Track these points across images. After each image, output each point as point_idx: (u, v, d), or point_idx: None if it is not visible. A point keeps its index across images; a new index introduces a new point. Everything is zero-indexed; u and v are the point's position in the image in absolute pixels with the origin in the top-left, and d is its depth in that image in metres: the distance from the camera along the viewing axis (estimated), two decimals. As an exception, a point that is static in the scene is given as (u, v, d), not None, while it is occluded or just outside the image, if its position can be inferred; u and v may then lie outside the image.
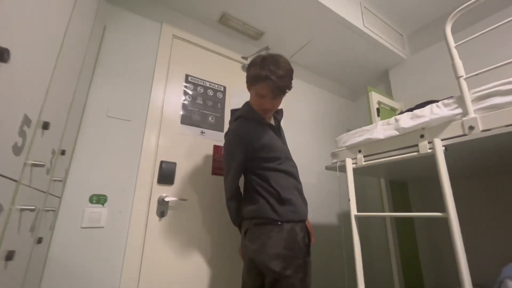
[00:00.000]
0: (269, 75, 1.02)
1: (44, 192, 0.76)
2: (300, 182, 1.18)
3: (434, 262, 1.74)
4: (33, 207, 0.59)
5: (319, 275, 1.80)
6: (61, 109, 0.79)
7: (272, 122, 1.25)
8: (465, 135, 0.89)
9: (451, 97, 0.98)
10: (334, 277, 1.85)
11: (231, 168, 1.12)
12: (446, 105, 0.97)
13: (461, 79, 0.94)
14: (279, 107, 1.22)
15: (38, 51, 0.54)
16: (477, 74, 0.93)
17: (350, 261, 1.20)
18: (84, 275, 1.08)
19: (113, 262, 1.15)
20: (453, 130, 0.92)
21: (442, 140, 0.94)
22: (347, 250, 1.63)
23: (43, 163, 0.60)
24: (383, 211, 1.75)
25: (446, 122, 0.95)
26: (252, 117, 1.15)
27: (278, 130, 1.25)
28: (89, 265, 1.10)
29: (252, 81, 1.11)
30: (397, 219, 1.72)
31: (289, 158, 1.21)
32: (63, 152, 0.89)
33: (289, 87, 1.09)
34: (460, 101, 0.93)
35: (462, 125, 0.90)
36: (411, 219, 1.84)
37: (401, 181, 1.89)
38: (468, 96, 0.91)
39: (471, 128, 0.87)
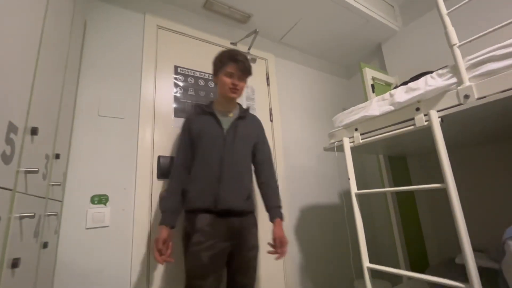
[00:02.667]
0: (236, 56, 1.21)
1: (43, 197, 0.76)
2: (232, 172, 1.14)
3: (436, 234, 1.78)
4: (32, 214, 0.59)
5: (324, 254, 1.85)
6: (49, 112, 0.78)
7: (231, 115, 1.27)
8: (460, 104, 0.88)
9: (445, 66, 0.97)
10: (340, 255, 1.90)
11: (177, 147, 1.26)
12: (440, 76, 0.95)
13: (455, 47, 0.92)
14: (246, 107, 1.37)
15: (14, 57, 0.51)
16: (470, 41, 0.91)
17: (354, 238, 1.23)
18: (94, 275, 1.10)
19: (122, 259, 1.17)
20: (449, 100, 0.91)
21: (438, 111, 0.93)
22: (350, 228, 1.67)
23: (37, 169, 0.60)
24: (383, 188, 1.76)
25: (441, 93, 0.94)
26: (203, 107, 1.26)
27: (235, 122, 1.23)
28: (99, 264, 1.12)
29: (219, 66, 1.24)
30: (397, 194, 1.74)
31: (228, 149, 1.16)
32: (57, 156, 0.88)
33: (251, 71, 1.26)
34: (455, 70, 0.91)
35: (458, 94, 0.89)
36: (411, 193, 1.87)
37: (400, 156, 1.90)
38: (462, 64, 0.89)
39: (467, 96, 0.86)
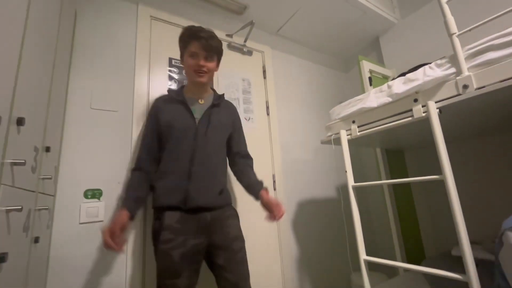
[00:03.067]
0: (197, 33, 1.07)
1: (32, 191, 0.74)
2: (204, 167, 1.06)
3: (432, 228, 1.79)
4: (20, 207, 0.57)
5: (322, 248, 1.85)
6: (37, 104, 0.75)
7: (202, 101, 1.17)
8: (459, 94, 0.87)
9: (444, 57, 0.95)
10: (337, 249, 1.90)
11: (143, 137, 1.16)
12: (439, 66, 0.94)
13: (454, 37, 0.91)
14: (221, 93, 1.25)
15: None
16: (470, 30, 0.89)
17: (351, 231, 1.22)
18: (89, 270, 1.09)
19: (116, 254, 1.15)
20: (447, 91, 0.90)
21: (436, 102, 0.92)
22: (347, 221, 1.67)
23: (23, 161, 0.57)
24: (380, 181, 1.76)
25: (440, 83, 0.92)
26: (173, 94, 1.17)
27: (209, 111, 1.14)
28: (93, 259, 1.10)
29: (182, 47, 1.13)
30: (394, 187, 1.74)
31: (200, 142, 1.07)
32: (47, 149, 0.85)
33: (220, 49, 1.14)
34: (453, 60, 0.90)
35: (456, 84, 0.87)
36: (408, 187, 1.87)
37: (398, 149, 1.89)
38: (461, 54, 0.88)
39: (465, 87, 0.85)
